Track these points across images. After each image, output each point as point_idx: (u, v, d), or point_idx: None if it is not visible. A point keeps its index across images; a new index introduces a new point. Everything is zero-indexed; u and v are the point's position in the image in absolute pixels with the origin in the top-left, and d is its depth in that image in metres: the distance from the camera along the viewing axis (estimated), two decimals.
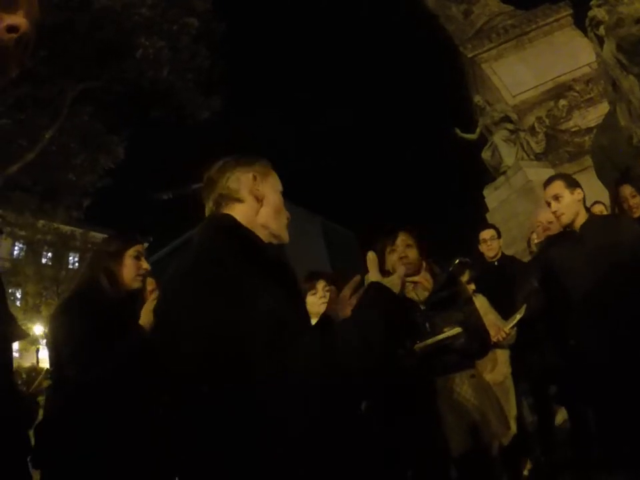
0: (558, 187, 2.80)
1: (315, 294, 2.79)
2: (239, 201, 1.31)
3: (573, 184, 2.81)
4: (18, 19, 0.79)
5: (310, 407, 0.93)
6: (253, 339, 0.95)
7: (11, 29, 0.78)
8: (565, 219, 2.76)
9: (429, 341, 2.21)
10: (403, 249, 2.49)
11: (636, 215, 3.64)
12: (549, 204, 2.82)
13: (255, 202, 1.32)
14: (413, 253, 2.49)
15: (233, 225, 1.24)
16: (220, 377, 0.95)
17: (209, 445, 0.97)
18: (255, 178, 1.34)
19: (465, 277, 3.68)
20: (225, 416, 0.94)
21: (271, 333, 0.97)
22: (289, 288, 1.20)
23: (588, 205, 4.62)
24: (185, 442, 1.05)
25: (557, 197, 2.76)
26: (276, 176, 1.43)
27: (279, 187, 1.42)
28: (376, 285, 1.22)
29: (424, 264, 2.56)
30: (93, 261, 2.35)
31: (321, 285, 2.82)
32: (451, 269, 3.63)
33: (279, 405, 0.92)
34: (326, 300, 2.78)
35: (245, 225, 1.25)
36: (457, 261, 3.82)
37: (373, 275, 1.26)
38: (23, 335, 1.22)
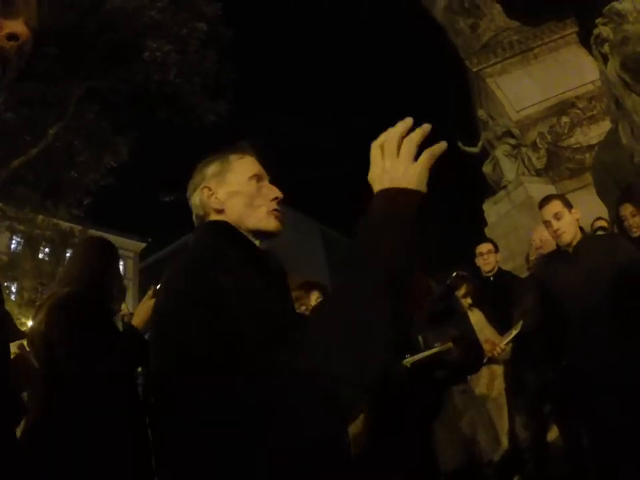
0: (558, 205, 2.80)
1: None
2: (206, 215, 1.26)
3: (569, 204, 2.83)
4: (19, 27, 0.79)
5: (304, 415, 0.92)
6: (253, 340, 0.95)
7: (12, 36, 0.79)
8: (567, 237, 2.75)
9: (420, 356, 2.21)
10: None
11: (636, 234, 3.64)
12: (548, 222, 2.81)
13: (217, 213, 1.24)
14: None
15: (229, 230, 1.21)
16: (218, 375, 0.95)
17: (198, 447, 0.97)
18: (207, 190, 1.25)
19: (461, 291, 3.69)
20: (221, 416, 0.94)
21: (273, 335, 0.96)
22: (284, 296, 1.20)
23: (589, 221, 4.66)
24: (176, 443, 1.04)
25: (557, 216, 2.76)
26: (242, 163, 1.28)
27: (248, 173, 1.27)
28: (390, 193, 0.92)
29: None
30: (92, 261, 2.35)
31: (314, 295, 2.85)
32: (448, 281, 3.65)
33: (272, 407, 0.91)
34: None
35: (238, 230, 1.21)
36: (455, 273, 3.85)
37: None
38: (20, 335, 1.22)
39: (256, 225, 1.22)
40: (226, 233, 1.20)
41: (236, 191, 1.24)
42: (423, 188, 0.94)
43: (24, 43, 0.81)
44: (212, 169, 1.27)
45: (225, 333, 0.96)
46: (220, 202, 1.23)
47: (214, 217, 1.24)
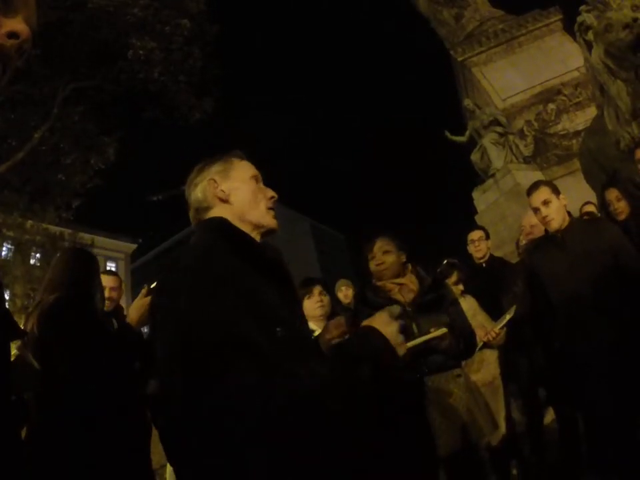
0: (546, 192, 2.82)
1: (310, 298, 2.87)
2: (209, 209, 1.32)
3: (556, 190, 2.85)
4: (19, 25, 0.79)
5: (295, 412, 0.94)
6: (249, 336, 0.97)
7: (12, 34, 0.79)
8: (555, 224, 2.77)
9: (416, 341, 2.24)
10: (380, 255, 2.57)
11: (621, 218, 3.69)
12: (537, 209, 2.83)
13: (223, 204, 1.31)
14: (390, 258, 2.55)
15: (226, 226, 1.25)
16: (213, 373, 0.96)
17: (199, 442, 0.98)
18: (213, 182, 1.33)
19: (452, 278, 3.72)
20: (219, 413, 0.95)
21: (267, 331, 0.98)
22: (284, 287, 1.21)
23: (577, 207, 4.71)
24: (178, 439, 1.06)
25: (546, 202, 2.78)
26: (242, 164, 1.39)
27: (249, 173, 1.38)
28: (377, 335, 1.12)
29: (409, 266, 2.60)
30: (73, 268, 2.39)
31: (317, 289, 2.93)
32: (439, 269, 3.67)
33: (263, 404, 0.92)
34: (322, 304, 2.87)
35: (236, 226, 1.26)
36: (445, 261, 3.88)
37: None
38: (21, 334, 1.22)
39: (258, 219, 1.32)
40: (223, 229, 1.24)
41: (239, 187, 1.33)
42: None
43: (24, 42, 0.81)
44: (215, 167, 1.36)
45: (223, 332, 0.97)
46: (225, 194, 1.31)
47: (216, 209, 1.31)
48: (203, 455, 0.98)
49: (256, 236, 1.31)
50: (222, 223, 1.26)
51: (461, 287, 3.71)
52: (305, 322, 1.36)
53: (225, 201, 1.31)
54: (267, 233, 1.35)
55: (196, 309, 1.00)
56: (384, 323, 1.14)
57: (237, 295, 1.02)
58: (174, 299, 1.06)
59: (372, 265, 2.58)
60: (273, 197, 1.37)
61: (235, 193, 1.32)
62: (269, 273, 1.17)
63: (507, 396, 3.66)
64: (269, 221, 1.33)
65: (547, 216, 2.78)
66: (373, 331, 1.12)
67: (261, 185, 1.39)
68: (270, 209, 1.35)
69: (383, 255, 2.57)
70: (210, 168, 1.36)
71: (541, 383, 3.80)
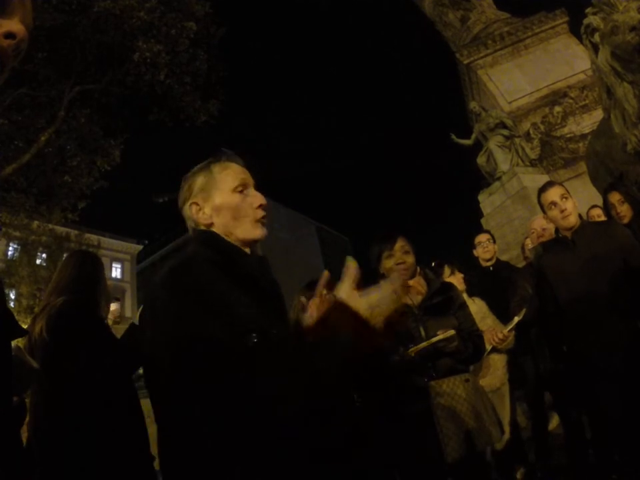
0: (563, 188, 2.82)
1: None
2: (197, 227, 1.32)
3: (569, 192, 2.85)
4: (16, 26, 0.80)
5: (277, 414, 0.95)
6: (225, 345, 0.98)
7: (9, 35, 0.79)
8: (573, 219, 2.75)
9: (423, 344, 2.23)
10: (401, 254, 2.49)
11: (624, 221, 3.67)
12: (554, 203, 2.78)
13: (205, 226, 1.30)
14: (410, 259, 2.51)
15: (212, 237, 1.27)
16: (191, 381, 0.98)
17: (180, 447, 1.00)
18: (195, 205, 1.30)
19: (457, 274, 3.70)
20: (195, 418, 0.97)
21: (243, 340, 0.99)
22: (268, 298, 1.22)
23: (583, 210, 4.69)
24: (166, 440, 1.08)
25: (564, 197, 2.77)
26: (224, 175, 1.32)
27: (232, 184, 1.31)
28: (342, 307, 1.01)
29: (417, 269, 2.58)
30: (81, 272, 2.40)
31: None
32: (432, 270, 3.67)
33: (247, 410, 0.94)
34: None
35: (224, 238, 1.27)
36: (434, 263, 3.89)
37: (345, 290, 1.03)
38: (21, 333, 1.23)
39: (243, 235, 1.28)
40: (211, 243, 1.25)
41: (221, 205, 1.29)
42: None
43: (20, 42, 0.82)
44: (198, 183, 1.33)
45: (192, 341, 0.99)
46: (207, 216, 1.29)
47: (199, 226, 1.31)
48: (192, 457, 0.99)
49: (244, 247, 1.29)
50: (211, 236, 1.27)
51: (459, 274, 3.68)
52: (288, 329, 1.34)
53: (208, 225, 1.29)
54: (255, 242, 1.31)
55: (169, 318, 1.03)
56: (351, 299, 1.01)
57: (209, 303, 1.03)
58: (152, 308, 1.10)
59: (389, 264, 2.50)
60: (261, 205, 1.31)
61: (218, 214, 1.28)
62: (249, 284, 1.17)
63: (513, 401, 3.65)
64: (254, 233, 1.29)
65: (565, 209, 2.74)
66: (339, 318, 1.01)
67: (249, 191, 1.32)
68: (259, 219, 1.30)
69: (404, 255, 2.50)
70: (193, 185, 1.32)
71: (547, 387, 3.78)
